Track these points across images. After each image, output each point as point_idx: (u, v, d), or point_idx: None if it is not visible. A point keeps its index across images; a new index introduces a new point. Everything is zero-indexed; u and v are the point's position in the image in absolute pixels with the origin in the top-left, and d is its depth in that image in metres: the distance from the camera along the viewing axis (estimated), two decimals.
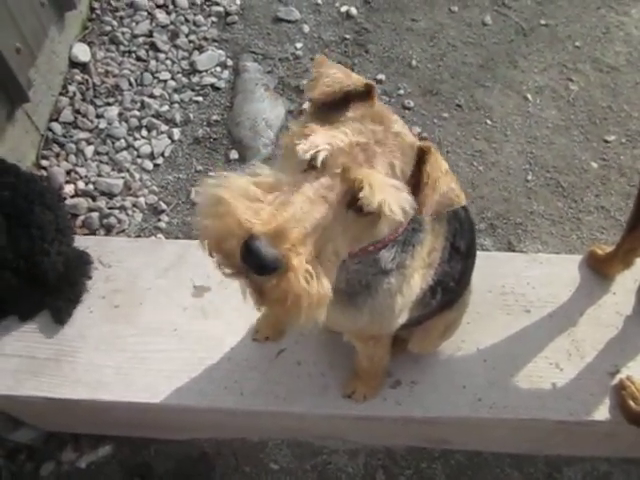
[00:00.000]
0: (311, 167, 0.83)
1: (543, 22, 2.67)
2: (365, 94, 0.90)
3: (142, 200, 2.14)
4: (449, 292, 1.24)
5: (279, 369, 1.58)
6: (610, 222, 2.10)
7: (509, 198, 2.15)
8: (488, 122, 2.34)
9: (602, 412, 1.51)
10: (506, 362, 1.58)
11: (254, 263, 0.76)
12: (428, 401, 1.52)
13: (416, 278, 1.11)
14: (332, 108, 0.89)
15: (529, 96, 2.41)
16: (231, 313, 1.66)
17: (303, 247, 0.79)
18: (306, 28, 2.62)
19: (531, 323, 1.65)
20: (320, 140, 0.83)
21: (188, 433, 1.81)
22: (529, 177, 2.20)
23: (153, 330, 1.63)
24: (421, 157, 0.88)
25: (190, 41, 2.55)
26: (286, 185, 0.83)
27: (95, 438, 1.85)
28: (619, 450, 1.78)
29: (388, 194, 0.81)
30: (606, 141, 2.30)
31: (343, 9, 2.68)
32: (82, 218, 2.08)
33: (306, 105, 0.98)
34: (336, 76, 0.91)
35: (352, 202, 0.83)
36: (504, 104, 2.39)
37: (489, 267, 1.71)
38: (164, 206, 2.13)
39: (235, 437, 1.83)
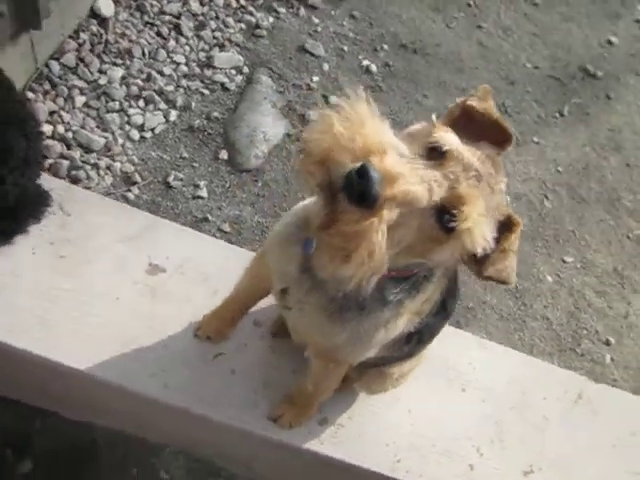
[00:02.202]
0: (428, 157, 0.84)
1: (535, 139, 2.86)
2: (500, 142, 0.91)
3: (118, 165, 2.06)
4: (421, 344, 1.24)
5: (212, 372, 1.50)
6: (550, 333, 2.20)
7: (467, 282, 2.22)
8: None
9: None
10: (432, 432, 1.58)
11: (358, 187, 0.73)
12: (350, 448, 1.48)
13: (404, 319, 1.10)
14: (460, 132, 0.90)
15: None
16: (180, 301, 1.58)
17: (395, 208, 0.76)
18: (326, 66, 2.69)
19: (465, 402, 1.66)
20: (451, 139, 0.85)
21: (88, 413, 1.66)
22: None
23: (94, 292, 1.52)
24: (507, 225, 0.89)
25: (214, 37, 2.55)
26: (406, 155, 0.82)
27: None
28: None
29: (480, 225, 0.82)
30: (564, 261, 2.44)
31: (365, 63, 2.79)
32: (51, 162, 1.96)
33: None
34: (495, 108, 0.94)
35: (439, 211, 0.82)
36: None
37: (439, 337, 1.73)
38: (138, 179, 2.06)
39: (134, 433, 1.70)
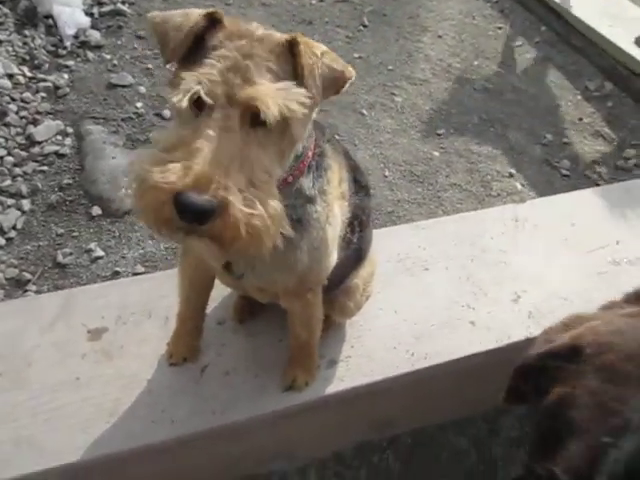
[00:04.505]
0: (199, 110, 0.85)
1: (357, 56, 3.02)
2: (214, 22, 0.90)
3: (0, 276, 1.91)
4: (363, 227, 1.28)
5: (208, 385, 1.44)
6: (465, 194, 2.34)
7: (375, 193, 2.30)
8: (336, 137, 2.52)
9: (519, 332, 1.61)
10: (424, 316, 1.63)
11: (192, 216, 0.78)
12: (367, 369, 1.50)
13: (337, 208, 1.14)
14: (194, 52, 0.89)
15: (364, 111, 2.67)
16: (137, 346, 1.50)
17: (230, 180, 0.80)
18: (142, 89, 2.65)
19: (433, 278, 1.73)
20: (189, 83, 0.83)
21: None
22: (386, 173, 2.39)
23: (51, 386, 1.40)
24: (293, 50, 0.89)
25: (22, 117, 2.42)
26: (187, 136, 0.83)
27: None
28: None
29: (281, 98, 0.84)
30: (438, 134, 2.60)
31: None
32: None
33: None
34: (176, 24, 0.90)
35: (255, 120, 0.85)
36: (345, 121, 2.61)
37: (379, 242, 1.78)
38: (28, 276, 1.92)
39: None
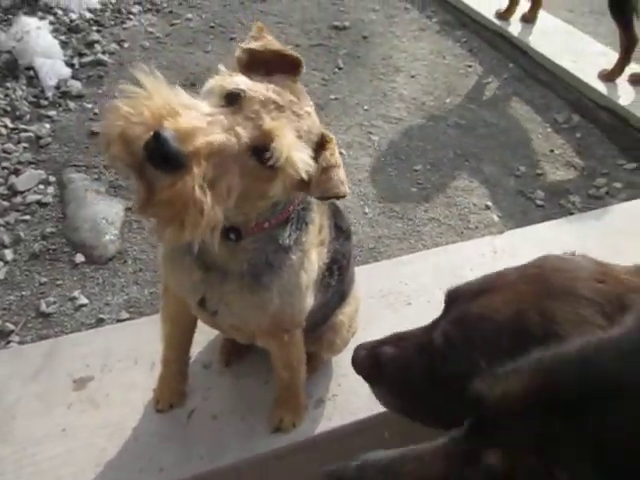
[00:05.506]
0: (228, 104, 0.88)
1: (333, 97, 3.11)
2: (291, 69, 0.96)
3: None
4: (343, 271, 1.30)
5: (196, 430, 1.44)
6: (443, 228, 2.39)
7: (356, 231, 2.34)
8: None
9: None
10: None
11: (158, 152, 0.75)
12: (354, 407, 1.50)
13: (314, 255, 1.16)
14: (256, 73, 0.95)
15: (343, 151, 2.74)
16: (124, 394, 1.50)
17: (204, 162, 0.79)
18: None
19: (416, 312, 1.76)
20: (241, 81, 0.89)
21: None
22: (366, 210, 2.44)
23: (37, 439, 1.39)
24: (321, 144, 0.95)
25: (3, 168, 2.44)
26: (201, 106, 0.85)
27: None
28: None
29: (296, 152, 0.87)
30: (415, 170, 2.67)
31: None
32: None
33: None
34: (276, 42, 1.00)
35: (256, 151, 0.86)
36: None
37: (362, 279, 1.81)
38: (11, 326, 1.91)
39: None
